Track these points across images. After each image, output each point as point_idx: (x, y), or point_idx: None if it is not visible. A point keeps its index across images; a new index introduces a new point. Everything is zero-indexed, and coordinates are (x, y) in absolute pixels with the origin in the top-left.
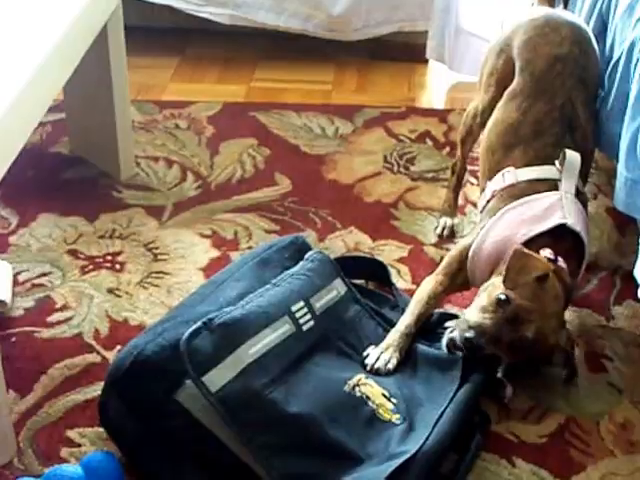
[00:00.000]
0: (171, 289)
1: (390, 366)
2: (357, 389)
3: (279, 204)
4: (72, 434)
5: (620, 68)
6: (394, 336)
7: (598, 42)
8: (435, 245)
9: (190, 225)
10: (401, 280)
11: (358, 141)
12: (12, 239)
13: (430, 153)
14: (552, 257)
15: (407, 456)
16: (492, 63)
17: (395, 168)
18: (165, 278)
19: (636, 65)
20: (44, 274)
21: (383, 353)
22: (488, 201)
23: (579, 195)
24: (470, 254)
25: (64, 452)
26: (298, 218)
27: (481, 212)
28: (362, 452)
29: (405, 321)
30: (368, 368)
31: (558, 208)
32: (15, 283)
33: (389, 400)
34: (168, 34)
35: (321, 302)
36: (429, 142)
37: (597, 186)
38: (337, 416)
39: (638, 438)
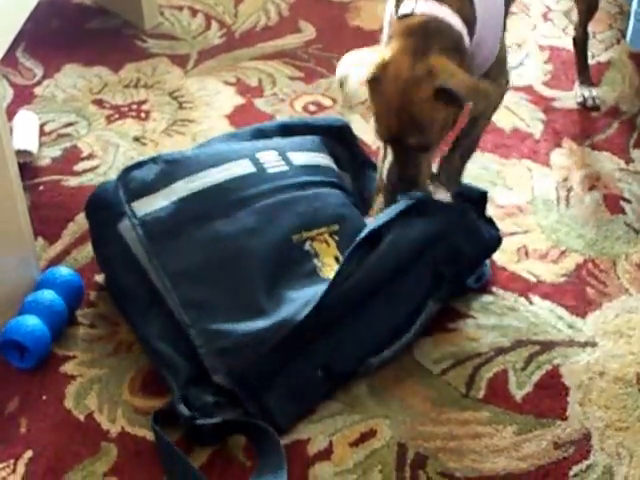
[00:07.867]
0: (196, 136)
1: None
2: (308, 243)
3: (303, 51)
4: (100, 278)
5: None
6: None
7: None
8: None
9: (214, 73)
10: None
11: None
12: (37, 90)
13: None
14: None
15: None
16: None
17: None
18: (190, 126)
19: None
20: (70, 124)
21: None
22: None
23: None
24: None
25: (92, 296)
26: (322, 65)
27: None
28: (271, 306)
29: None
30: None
31: None
32: (41, 133)
33: (338, 262)
34: None
35: (302, 157)
36: None
37: (620, 31)
38: (268, 262)
39: None
